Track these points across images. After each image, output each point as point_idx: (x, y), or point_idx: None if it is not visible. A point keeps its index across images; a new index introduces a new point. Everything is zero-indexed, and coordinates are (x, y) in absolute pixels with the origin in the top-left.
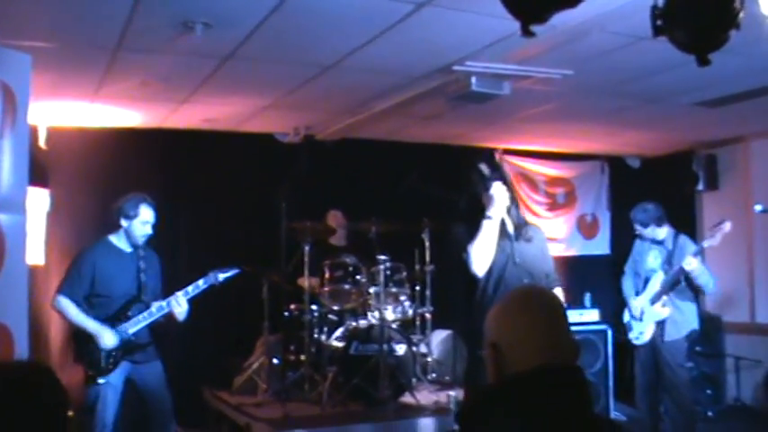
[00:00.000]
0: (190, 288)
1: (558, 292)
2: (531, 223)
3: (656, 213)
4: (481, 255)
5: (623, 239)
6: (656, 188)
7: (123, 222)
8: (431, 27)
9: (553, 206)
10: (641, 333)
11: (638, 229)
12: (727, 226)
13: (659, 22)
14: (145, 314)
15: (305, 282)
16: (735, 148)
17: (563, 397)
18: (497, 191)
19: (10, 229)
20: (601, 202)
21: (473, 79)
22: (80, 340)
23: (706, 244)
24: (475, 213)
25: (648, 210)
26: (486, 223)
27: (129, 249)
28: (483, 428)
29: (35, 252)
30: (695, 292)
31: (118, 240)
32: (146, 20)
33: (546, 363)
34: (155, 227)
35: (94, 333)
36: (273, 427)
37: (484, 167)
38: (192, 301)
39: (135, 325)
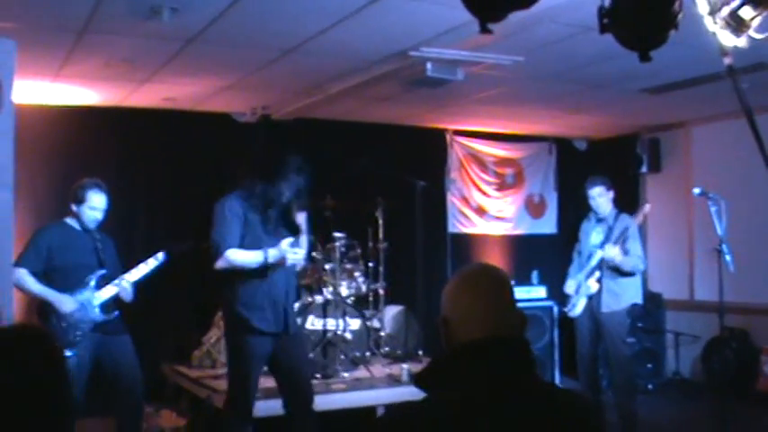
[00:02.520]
0: (151, 262)
1: None
2: None
3: (609, 183)
4: None
5: (570, 219)
6: (601, 170)
7: (73, 206)
8: (389, 15)
9: (502, 186)
10: (574, 305)
11: (599, 192)
12: (647, 207)
13: (605, 21)
14: (110, 287)
15: None
16: (677, 133)
17: (506, 366)
18: None
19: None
20: (548, 182)
21: (428, 65)
22: (43, 315)
23: (632, 226)
24: None
25: (604, 179)
26: None
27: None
28: (435, 394)
29: None
30: (627, 274)
31: (73, 222)
32: (114, 4)
33: (491, 334)
34: (106, 213)
35: (53, 300)
36: None
37: None
38: (141, 283)
39: (100, 297)
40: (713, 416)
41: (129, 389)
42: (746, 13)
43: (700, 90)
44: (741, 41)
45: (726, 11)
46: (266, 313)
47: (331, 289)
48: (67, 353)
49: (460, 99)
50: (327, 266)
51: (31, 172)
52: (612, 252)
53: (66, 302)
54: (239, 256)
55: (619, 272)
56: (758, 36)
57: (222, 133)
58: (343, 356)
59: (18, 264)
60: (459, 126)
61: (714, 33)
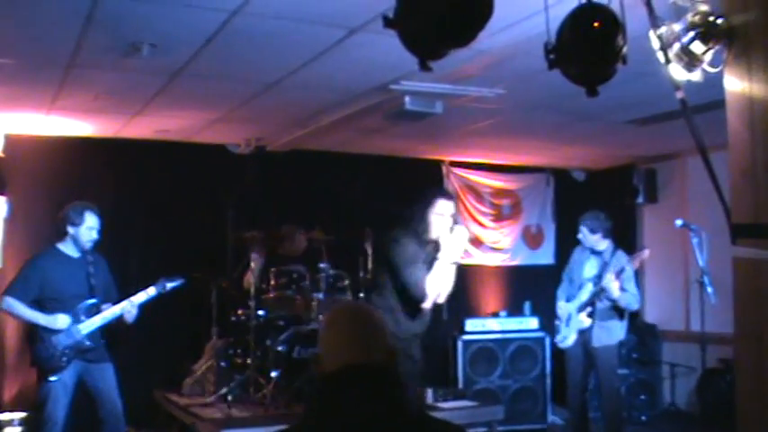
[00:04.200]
0: (142, 296)
1: None
2: None
3: (606, 224)
4: (432, 289)
5: (568, 250)
6: (599, 200)
7: (70, 230)
8: (364, 49)
9: (499, 217)
10: (565, 338)
11: (584, 233)
12: (646, 253)
13: (551, 57)
14: (98, 317)
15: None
16: (673, 164)
17: (361, 390)
18: (459, 234)
19: None
20: (546, 213)
21: (406, 98)
22: (33, 339)
23: (627, 267)
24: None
25: (601, 218)
26: (440, 264)
27: (77, 255)
28: (311, 418)
29: None
30: (619, 311)
31: (65, 247)
32: (95, 40)
33: (345, 365)
34: (101, 232)
35: (46, 323)
36: (217, 427)
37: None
38: (144, 306)
39: (88, 326)
40: None
41: (111, 415)
42: (697, 47)
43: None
44: (695, 76)
45: (677, 46)
46: None
47: (318, 319)
48: (52, 378)
49: (449, 131)
50: (315, 296)
51: (27, 201)
52: (612, 284)
53: (58, 320)
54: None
55: (612, 307)
56: (712, 70)
57: (217, 165)
58: None
59: (6, 293)
60: (455, 157)
61: (667, 68)
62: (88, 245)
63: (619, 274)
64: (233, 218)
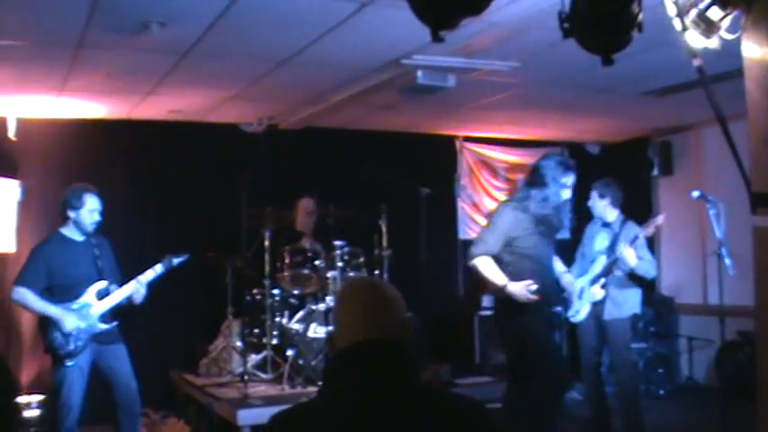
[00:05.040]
0: (149, 273)
1: None
2: None
3: (616, 192)
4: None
5: (583, 224)
6: (613, 174)
7: (71, 214)
8: (376, 23)
9: (513, 192)
10: (578, 311)
11: (594, 198)
12: (660, 219)
13: (566, 26)
14: (108, 299)
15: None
16: (688, 135)
17: (372, 365)
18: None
19: None
20: None
21: (419, 72)
22: (45, 326)
23: (640, 234)
24: None
25: (611, 185)
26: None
27: (81, 238)
28: (325, 394)
29: (7, 240)
30: (637, 280)
31: (69, 232)
32: (104, 20)
33: (359, 339)
34: (103, 213)
35: (56, 318)
36: (233, 406)
37: None
38: (154, 285)
39: (100, 309)
40: (726, 421)
41: (126, 396)
42: (714, 14)
43: (703, 92)
44: (712, 43)
45: (694, 13)
46: None
47: (334, 296)
48: (68, 363)
49: (463, 105)
50: (330, 274)
51: (41, 185)
52: (628, 252)
53: (68, 320)
54: (487, 269)
55: (629, 277)
56: (729, 36)
57: (229, 144)
58: None
59: (17, 283)
60: (469, 132)
61: (683, 35)
62: (91, 227)
63: (632, 242)
64: (246, 197)
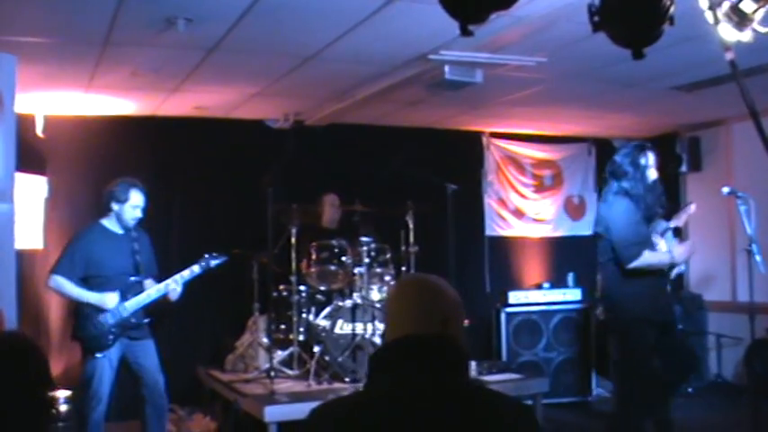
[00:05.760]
0: (186, 273)
1: None
2: None
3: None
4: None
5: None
6: None
7: (114, 206)
8: (403, 19)
9: (540, 188)
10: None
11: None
12: (692, 207)
13: (596, 19)
14: (143, 295)
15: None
16: (717, 131)
17: (415, 361)
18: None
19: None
20: (588, 183)
21: (446, 68)
22: (81, 316)
23: (672, 224)
24: None
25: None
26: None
27: (120, 231)
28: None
29: (34, 237)
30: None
31: (110, 224)
32: (130, 16)
33: (405, 334)
34: (145, 210)
35: (95, 301)
36: (260, 403)
37: None
38: (186, 284)
39: (134, 304)
40: (756, 420)
41: (153, 392)
42: (748, 6)
43: (733, 87)
44: (745, 36)
45: (726, 5)
46: None
47: (360, 293)
48: (98, 355)
49: (490, 101)
50: (357, 270)
51: (67, 182)
52: (660, 244)
53: (109, 299)
54: (652, 257)
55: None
56: (763, 29)
57: (255, 140)
58: None
59: (53, 271)
60: (496, 128)
61: (715, 28)
62: (131, 222)
63: (663, 234)
64: (272, 193)
